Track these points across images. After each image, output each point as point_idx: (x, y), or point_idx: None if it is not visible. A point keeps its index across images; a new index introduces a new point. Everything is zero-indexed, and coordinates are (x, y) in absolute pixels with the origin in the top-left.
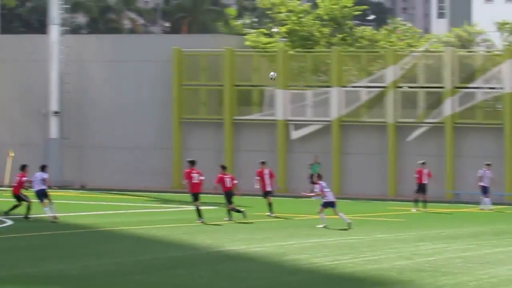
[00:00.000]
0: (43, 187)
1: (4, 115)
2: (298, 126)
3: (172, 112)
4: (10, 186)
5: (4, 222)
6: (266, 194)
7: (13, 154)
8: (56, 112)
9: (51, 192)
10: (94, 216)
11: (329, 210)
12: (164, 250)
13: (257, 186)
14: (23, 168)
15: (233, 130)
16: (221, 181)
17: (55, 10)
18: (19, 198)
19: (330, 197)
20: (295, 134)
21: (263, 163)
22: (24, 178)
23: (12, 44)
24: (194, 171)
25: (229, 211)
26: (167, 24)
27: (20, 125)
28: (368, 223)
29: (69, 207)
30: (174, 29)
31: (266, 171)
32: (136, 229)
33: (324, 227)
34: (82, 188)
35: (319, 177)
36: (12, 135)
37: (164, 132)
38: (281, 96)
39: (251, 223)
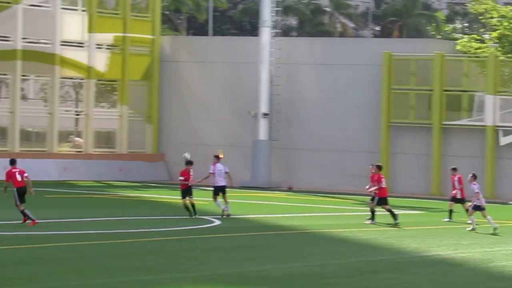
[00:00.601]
0: (223, 183)
1: (214, 116)
2: (507, 132)
3: (381, 116)
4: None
5: (213, 222)
6: (455, 200)
7: (222, 156)
8: (265, 114)
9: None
10: (300, 218)
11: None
12: (370, 253)
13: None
14: (190, 163)
15: (442, 135)
16: (379, 181)
17: (267, 13)
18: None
19: (482, 201)
20: (504, 140)
21: (454, 169)
22: (181, 178)
23: (223, 46)
24: (382, 176)
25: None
26: (377, 28)
27: (230, 126)
28: None
29: (276, 209)
30: (384, 33)
31: (456, 178)
32: (342, 232)
33: (472, 230)
34: (289, 189)
35: (475, 177)
36: (221, 136)
37: (372, 135)
38: (490, 102)
39: (451, 228)
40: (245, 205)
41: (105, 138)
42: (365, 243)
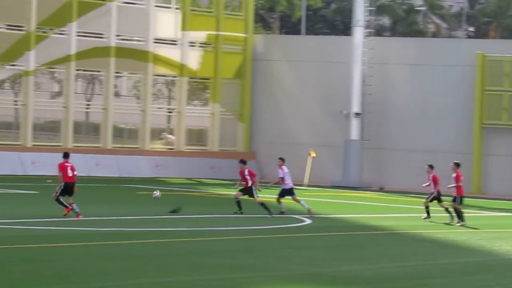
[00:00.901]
0: (292, 185)
1: (306, 115)
2: None
3: (474, 117)
4: (310, 186)
5: (303, 221)
6: None
7: (314, 155)
8: (357, 114)
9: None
10: (391, 218)
11: None
12: (461, 254)
13: None
14: (242, 162)
15: None
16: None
17: (360, 12)
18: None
19: None
20: None
21: None
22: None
23: (316, 45)
24: (460, 174)
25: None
26: (471, 29)
27: (321, 126)
28: None
29: (367, 209)
30: (478, 34)
31: None
32: (433, 233)
33: None
34: (381, 189)
35: None
36: (313, 135)
37: (464, 137)
38: None
39: None
40: (336, 204)
41: (197, 136)
42: (455, 245)
